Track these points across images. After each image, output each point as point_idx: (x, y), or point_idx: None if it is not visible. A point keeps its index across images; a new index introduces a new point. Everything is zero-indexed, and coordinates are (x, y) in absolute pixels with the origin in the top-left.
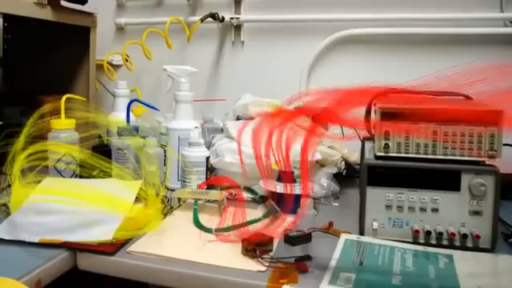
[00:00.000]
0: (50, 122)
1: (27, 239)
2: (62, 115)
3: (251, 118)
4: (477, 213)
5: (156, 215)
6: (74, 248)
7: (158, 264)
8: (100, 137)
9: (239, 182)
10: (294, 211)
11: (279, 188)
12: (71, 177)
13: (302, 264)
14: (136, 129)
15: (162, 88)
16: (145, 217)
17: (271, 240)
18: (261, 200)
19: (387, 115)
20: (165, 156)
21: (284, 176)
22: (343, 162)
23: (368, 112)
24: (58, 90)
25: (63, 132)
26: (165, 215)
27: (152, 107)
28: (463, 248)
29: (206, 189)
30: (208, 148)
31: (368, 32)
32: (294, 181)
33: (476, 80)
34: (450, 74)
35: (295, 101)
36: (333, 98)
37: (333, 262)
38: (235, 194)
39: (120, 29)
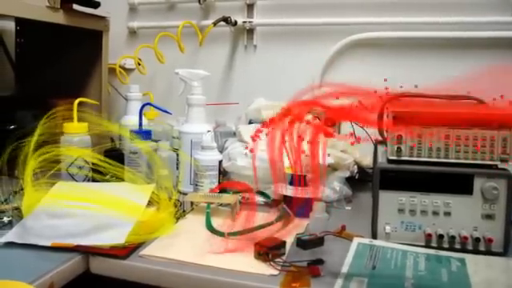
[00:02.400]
0: (62, 126)
1: (40, 243)
2: (75, 119)
3: (264, 122)
4: (489, 216)
5: (168, 219)
6: (87, 252)
7: (171, 268)
8: (112, 141)
9: (252, 186)
10: (306, 215)
11: (290, 191)
12: (84, 181)
13: (314, 268)
14: (149, 132)
15: (175, 92)
16: (157, 221)
17: (284, 244)
18: (273, 203)
19: (400, 119)
20: (177, 160)
21: (296, 179)
22: (356, 166)
23: (380, 115)
24: (70, 93)
25: (76, 136)
26: (177, 219)
27: (164, 111)
28: (476, 252)
29: (219, 192)
30: (220, 152)
31: (381, 36)
32: (307, 184)
33: (488, 83)
34: (462, 78)
35: (307, 94)
36: (345, 95)
37: (345, 266)
38: (248, 198)
39: (132, 32)
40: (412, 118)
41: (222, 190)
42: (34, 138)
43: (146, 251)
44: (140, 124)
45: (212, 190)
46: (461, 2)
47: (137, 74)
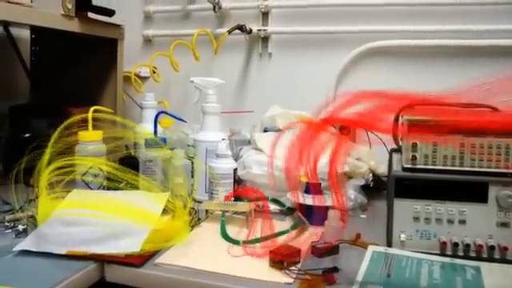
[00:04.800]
0: (77, 134)
1: (55, 251)
2: (90, 127)
3: (279, 130)
4: (504, 224)
5: (183, 227)
6: (102, 260)
7: (186, 276)
8: (127, 149)
9: (267, 194)
10: (321, 223)
11: (307, 200)
12: (98, 189)
13: (329, 276)
14: (163, 141)
15: (190, 100)
16: (172, 229)
17: (299, 252)
18: (288, 212)
19: (415, 127)
20: (192, 168)
21: (312, 188)
22: (371, 174)
23: (395, 123)
24: (85, 101)
25: (90, 144)
26: (192, 227)
27: (179, 119)
28: (490, 260)
29: (234, 201)
30: (235, 160)
31: (396, 44)
32: (322, 192)
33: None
34: (478, 86)
35: (325, 108)
36: (361, 105)
37: (360, 274)
38: (263, 206)
39: (147, 41)
40: (427, 125)
41: (237, 198)
42: (50, 147)
43: (161, 259)
44: (155, 132)
45: (226, 198)
46: (476, 11)
47: (152, 82)
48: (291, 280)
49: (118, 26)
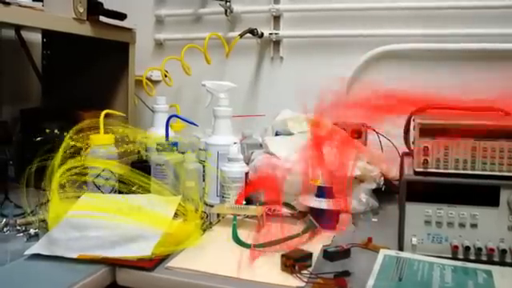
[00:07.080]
0: (89, 138)
1: (66, 255)
2: (101, 131)
3: (290, 134)
4: None
5: (195, 231)
6: (113, 264)
7: (197, 280)
8: (139, 152)
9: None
10: (333, 227)
11: (319, 203)
12: (110, 192)
13: (341, 280)
14: (175, 144)
15: (201, 103)
16: (184, 232)
17: (310, 255)
18: (300, 215)
19: (426, 130)
20: (204, 171)
21: (324, 191)
22: (382, 178)
23: (407, 127)
24: (96, 105)
25: (102, 147)
26: (204, 231)
27: (191, 123)
28: (502, 263)
29: (245, 204)
30: (247, 163)
31: (408, 47)
32: (334, 196)
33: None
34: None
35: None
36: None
37: (372, 278)
38: (274, 210)
39: (159, 44)
40: (439, 129)
41: (248, 200)
42: (61, 150)
43: (172, 263)
44: (167, 136)
45: (238, 198)
46: (490, 14)
47: (163, 86)
48: (303, 284)
49: (130, 29)
